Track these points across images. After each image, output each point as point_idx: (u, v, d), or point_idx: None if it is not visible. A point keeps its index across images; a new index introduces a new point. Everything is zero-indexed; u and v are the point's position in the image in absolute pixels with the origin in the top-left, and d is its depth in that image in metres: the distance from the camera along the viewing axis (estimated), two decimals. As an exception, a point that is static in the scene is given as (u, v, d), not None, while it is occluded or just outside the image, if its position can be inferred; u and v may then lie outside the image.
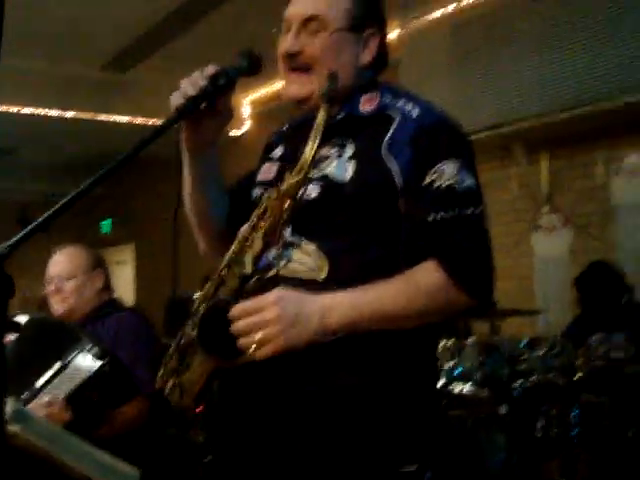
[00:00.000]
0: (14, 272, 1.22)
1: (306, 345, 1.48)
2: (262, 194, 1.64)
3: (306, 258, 1.55)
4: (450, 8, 5.43)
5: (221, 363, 1.53)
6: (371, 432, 1.51)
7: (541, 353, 3.69)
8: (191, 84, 1.57)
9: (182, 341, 1.61)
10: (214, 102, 1.60)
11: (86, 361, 2.52)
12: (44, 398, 2.44)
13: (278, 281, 1.53)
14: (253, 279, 1.54)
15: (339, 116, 1.63)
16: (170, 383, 1.63)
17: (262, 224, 1.53)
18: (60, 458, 1.41)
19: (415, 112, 1.61)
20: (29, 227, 1.30)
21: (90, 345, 2.56)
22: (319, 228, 1.56)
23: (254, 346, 1.46)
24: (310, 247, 1.55)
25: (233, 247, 1.56)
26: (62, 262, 2.99)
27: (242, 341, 1.47)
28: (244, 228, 1.57)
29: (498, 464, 3.66)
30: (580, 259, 5.07)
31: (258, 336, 1.46)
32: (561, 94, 4.71)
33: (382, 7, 1.75)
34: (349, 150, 1.59)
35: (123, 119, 8.17)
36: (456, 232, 1.51)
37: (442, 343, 3.88)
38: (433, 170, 1.54)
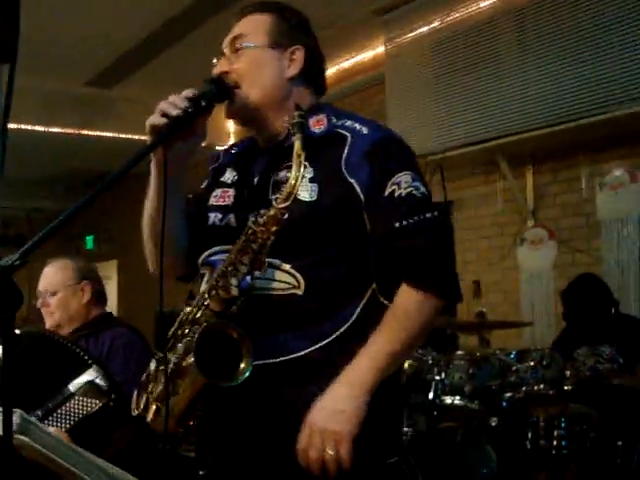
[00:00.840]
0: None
1: (362, 416, 1.57)
2: (223, 219, 1.76)
3: (284, 276, 1.64)
4: (434, 24, 5.48)
5: (219, 384, 1.57)
6: (363, 432, 1.59)
7: (530, 365, 3.71)
8: (172, 105, 1.62)
9: (161, 367, 1.65)
10: (192, 123, 1.66)
11: (93, 393, 2.48)
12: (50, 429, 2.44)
13: (261, 300, 1.62)
14: (238, 302, 1.59)
15: (292, 138, 1.67)
16: (154, 408, 1.67)
17: (248, 249, 1.57)
18: (68, 470, 1.41)
19: (364, 129, 1.71)
20: (37, 237, 1.32)
21: (99, 375, 2.51)
22: (293, 248, 1.64)
23: (333, 462, 1.55)
24: (286, 266, 1.64)
25: (218, 271, 1.60)
26: (48, 277, 3.00)
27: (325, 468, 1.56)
28: (230, 253, 1.60)
29: (488, 476, 3.68)
30: (565, 273, 5.12)
31: (328, 455, 1.55)
32: (545, 109, 4.77)
33: (308, 30, 1.86)
34: (309, 172, 1.67)
35: (108, 135, 8.16)
36: (421, 236, 1.63)
37: (431, 356, 3.89)
38: (391, 182, 1.65)
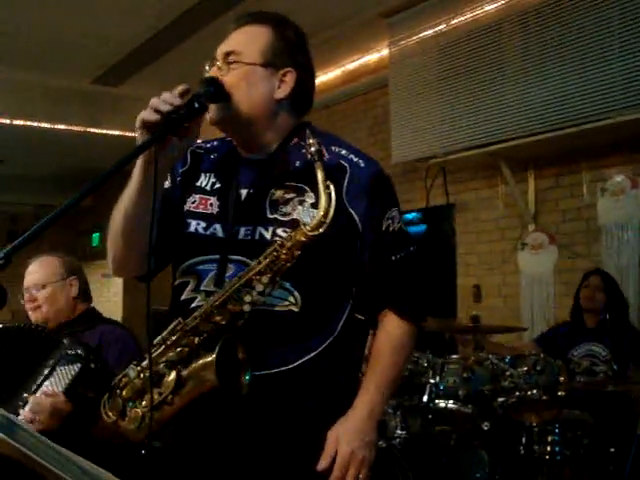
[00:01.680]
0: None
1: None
2: (207, 228, 1.77)
3: (284, 294, 1.69)
4: (439, 27, 5.49)
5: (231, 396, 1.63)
6: None
7: (524, 370, 3.72)
8: (163, 102, 1.59)
9: (143, 375, 1.66)
10: (191, 122, 1.65)
11: (70, 361, 2.58)
12: (45, 390, 2.51)
13: (262, 315, 1.66)
14: (245, 315, 1.63)
15: (296, 164, 1.76)
16: (135, 415, 1.68)
17: (268, 270, 1.62)
18: (48, 469, 1.43)
19: (361, 162, 1.78)
20: (19, 239, 1.31)
21: (71, 345, 2.61)
22: (293, 268, 1.65)
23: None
24: (286, 284, 1.69)
25: (231, 286, 1.62)
26: (34, 272, 3.00)
27: None
28: (247, 271, 1.63)
29: (481, 480, 3.69)
30: (565, 277, 5.12)
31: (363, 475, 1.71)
32: (547, 114, 4.76)
33: (304, 50, 1.84)
34: (310, 198, 1.71)
35: (114, 133, 8.19)
36: (409, 268, 1.81)
37: (426, 359, 3.90)
38: (386, 217, 1.78)
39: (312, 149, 1.64)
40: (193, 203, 1.81)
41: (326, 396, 1.73)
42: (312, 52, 1.86)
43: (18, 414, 2.44)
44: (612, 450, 3.66)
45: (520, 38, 4.96)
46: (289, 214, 1.69)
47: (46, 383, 2.56)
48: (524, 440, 3.70)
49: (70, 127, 8.06)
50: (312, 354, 1.70)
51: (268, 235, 1.69)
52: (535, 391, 3.67)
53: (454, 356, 4.11)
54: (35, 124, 7.83)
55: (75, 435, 2.43)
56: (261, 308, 1.66)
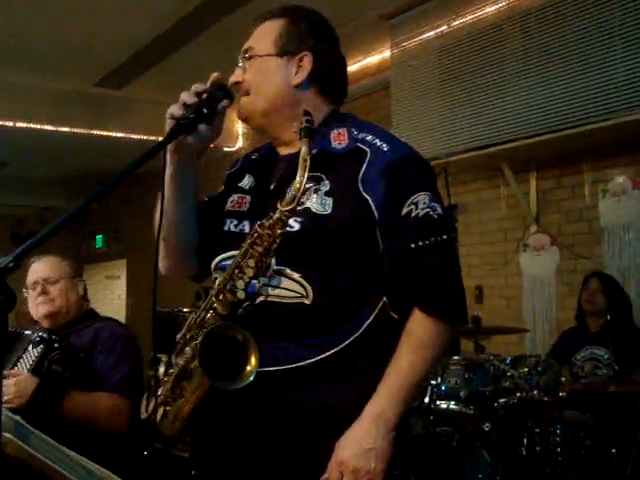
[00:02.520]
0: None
1: (391, 452, 1.59)
2: (238, 225, 1.77)
3: (293, 285, 1.64)
4: (440, 29, 5.49)
5: (223, 387, 1.57)
6: None
7: (525, 371, 3.72)
8: (192, 95, 1.66)
9: (171, 370, 1.67)
10: (213, 115, 1.68)
11: (36, 344, 2.72)
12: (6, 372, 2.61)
13: (269, 307, 1.63)
14: (244, 305, 1.61)
15: (313, 152, 1.64)
16: (161, 411, 1.68)
17: (254, 252, 1.59)
18: (53, 468, 1.44)
19: (384, 146, 1.70)
20: (30, 242, 1.32)
21: (34, 334, 2.75)
22: (303, 258, 1.64)
23: None
24: (295, 275, 1.63)
25: (225, 274, 1.61)
26: (46, 268, 3.06)
27: None
28: (236, 256, 1.62)
29: (482, 481, 3.69)
30: (567, 279, 5.12)
31: None
32: (549, 115, 4.76)
33: (322, 34, 1.83)
34: (325, 185, 1.68)
35: (118, 135, 8.21)
36: (436, 258, 1.64)
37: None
38: (408, 202, 1.65)
39: (301, 126, 1.59)
40: (231, 202, 1.84)
41: (343, 399, 1.63)
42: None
43: None
44: (614, 451, 3.66)
45: (521, 39, 4.95)
46: (303, 203, 1.64)
47: (15, 368, 2.69)
48: (525, 441, 3.71)
49: (73, 129, 8.06)
50: (329, 352, 1.63)
51: (295, 226, 1.66)
52: (536, 392, 3.68)
53: (455, 357, 4.12)
54: (38, 127, 7.83)
55: (47, 408, 2.58)
56: (269, 300, 1.63)
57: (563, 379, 3.69)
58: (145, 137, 7.96)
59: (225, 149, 7.83)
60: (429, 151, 5.51)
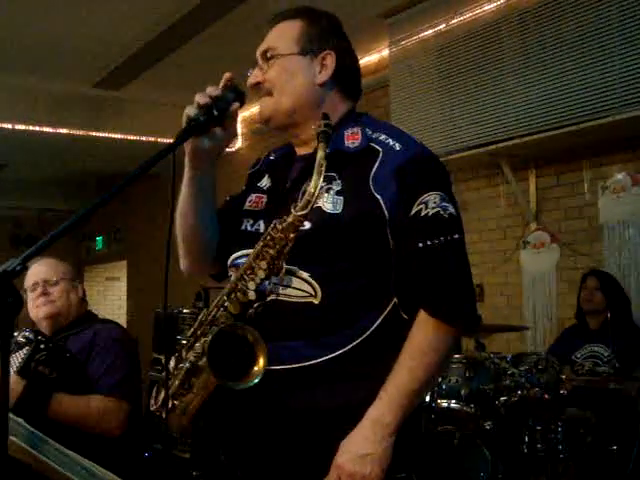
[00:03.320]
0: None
1: (389, 457, 1.57)
2: (253, 225, 1.78)
3: (302, 284, 1.63)
4: (438, 27, 5.49)
5: (229, 385, 1.57)
6: None
7: (525, 369, 3.72)
8: (206, 96, 1.66)
9: (181, 365, 1.67)
10: (223, 117, 1.69)
11: (21, 346, 2.71)
12: None
13: (277, 306, 1.63)
14: (255, 306, 1.61)
15: (327, 152, 1.64)
16: (170, 404, 1.68)
17: (266, 254, 1.59)
18: (54, 469, 1.44)
19: (397, 146, 1.69)
20: (36, 245, 1.31)
21: (20, 333, 2.75)
22: (313, 257, 1.63)
23: None
24: (305, 274, 1.63)
25: (237, 274, 1.62)
26: (46, 270, 3.06)
27: None
28: (249, 257, 1.62)
29: (485, 479, 3.69)
30: (567, 276, 5.12)
31: None
32: (548, 113, 4.76)
33: (340, 34, 1.84)
34: (337, 185, 1.67)
35: (116, 136, 8.22)
36: (444, 258, 1.62)
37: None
38: (418, 201, 1.63)
39: (318, 129, 1.59)
40: (249, 202, 1.85)
41: (349, 400, 1.62)
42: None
43: None
44: (615, 448, 3.67)
45: (519, 37, 4.96)
46: (315, 203, 1.61)
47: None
48: (527, 439, 3.71)
49: (72, 131, 8.08)
50: (338, 352, 1.62)
51: (306, 225, 1.65)
52: (537, 390, 3.67)
53: (456, 355, 4.11)
54: (37, 128, 7.86)
55: (34, 410, 2.55)
56: (278, 299, 1.63)
57: (564, 377, 3.69)
58: (144, 138, 7.97)
59: (226, 149, 7.85)
60: (428, 150, 5.50)
